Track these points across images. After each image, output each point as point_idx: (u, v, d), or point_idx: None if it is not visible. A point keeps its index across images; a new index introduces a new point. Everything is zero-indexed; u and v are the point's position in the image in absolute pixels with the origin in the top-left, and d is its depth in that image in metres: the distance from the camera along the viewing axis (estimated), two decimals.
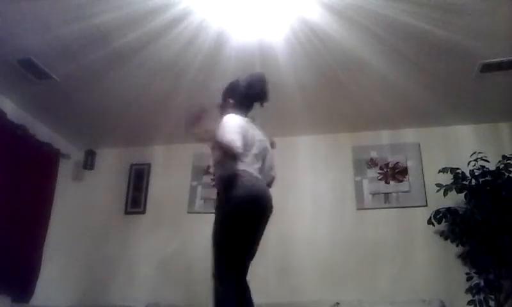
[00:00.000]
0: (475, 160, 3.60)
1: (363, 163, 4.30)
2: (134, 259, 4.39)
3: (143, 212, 4.63)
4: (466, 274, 3.57)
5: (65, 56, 3.40)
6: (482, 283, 3.49)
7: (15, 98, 3.99)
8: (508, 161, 3.52)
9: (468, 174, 3.61)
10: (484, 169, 3.58)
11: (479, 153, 3.61)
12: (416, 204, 4.02)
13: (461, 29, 2.97)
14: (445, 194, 3.56)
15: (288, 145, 4.34)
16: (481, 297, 3.44)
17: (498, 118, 4.08)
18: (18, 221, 3.91)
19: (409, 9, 2.81)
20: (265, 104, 2.56)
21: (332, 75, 3.50)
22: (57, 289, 4.23)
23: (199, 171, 4.60)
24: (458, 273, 3.62)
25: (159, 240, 4.40)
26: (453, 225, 3.57)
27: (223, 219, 2.27)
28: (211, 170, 2.60)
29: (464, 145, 3.96)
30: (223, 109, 2.56)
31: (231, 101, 2.56)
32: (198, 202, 4.52)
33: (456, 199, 3.67)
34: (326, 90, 3.74)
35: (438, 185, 3.62)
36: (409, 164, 4.20)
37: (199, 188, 4.56)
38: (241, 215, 2.24)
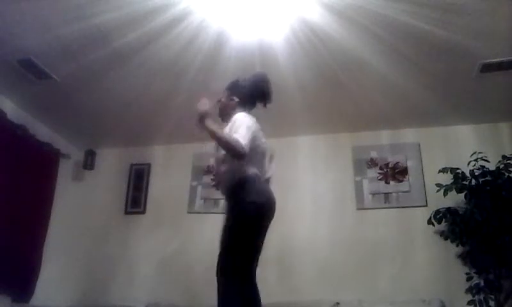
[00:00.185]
0: (475, 160, 3.60)
1: (363, 163, 4.30)
2: (134, 259, 4.39)
3: (143, 212, 4.63)
4: (466, 274, 3.57)
5: (65, 56, 3.40)
6: (482, 283, 3.49)
7: (15, 98, 3.99)
8: (508, 161, 3.52)
9: (468, 174, 3.61)
10: (484, 169, 3.58)
11: (479, 153, 3.61)
12: (416, 204, 4.02)
13: (461, 29, 2.97)
14: (445, 194, 3.56)
15: (288, 145, 4.35)
16: (481, 297, 3.44)
17: (498, 118, 4.08)
18: (18, 221, 3.91)
19: (409, 9, 2.81)
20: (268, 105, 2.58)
21: (332, 75, 3.50)
22: (57, 289, 4.23)
23: (199, 171, 4.60)
24: (458, 273, 3.62)
25: (159, 240, 4.40)
26: (453, 225, 3.57)
27: (236, 223, 2.27)
28: (215, 167, 2.57)
29: (464, 145, 3.96)
30: (227, 107, 2.56)
31: (236, 99, 2.55)
32: (198, 202, 4.52)
33: (456, 199, 3.67)
34: (326, 90, 3.73)
35: (438, 185, 3.62)
36: (409, 164, 4.20)
37: (199, 188, 4.56)
38: (256, 220, 2.27)
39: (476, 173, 3.60)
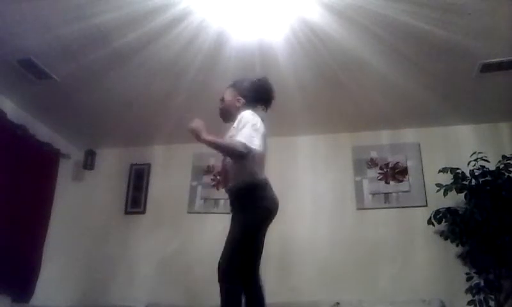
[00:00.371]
0: (475, 160, 3.60)
1: (363, 163, 4.30)
2: (134, 259, 4.38)
3: (143, 212, 4.63)
4: (466, 274, 3.57)
5: (65, 56, 3.40)
6: (482, 283, 3.49)
7: (15, 98, 3.98)
8: (508, 161, 3.52)
9: (468, 174, 3.61)
10: (484, 169, 3.58)
11: (479, 153, 3.61)
12: (416, 204, 4.02)
13: (461, 29, 2.97)
14: (445, 194, 3.56)
15: (288, 145, 4.35)
16: (481, 297, 3.44)
17: (498, 118, 4.08)
18: (18, 221, 3.91)
19: (409, 9, 2.81)
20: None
21: (332, 75, 3.50)
22: (57, 289, 4.23)
23: (199, 171, 4.60)
24: (458, 273, 3.62)
25: (159, 240, 4.40)
26: (453, 225, 3.57)
27: (246, 226, 2.30)
28: (225, 170, 2.57)
29: (464, 145, 3.96)
30: (231, 107, 2.55)
31: (242, 100, 2.55)
32: (198, 202, 4.52)
33: (456, 199, 3.67)
34: (326, 90, 3.73)
35: (438, 185, 3.62)
36: (409, 164, 4.20)
37: (199, 188, 4.56)
38: (264, 223, 2.36)
39: (476, 173, 3.60)
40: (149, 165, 4.78)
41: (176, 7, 2.87)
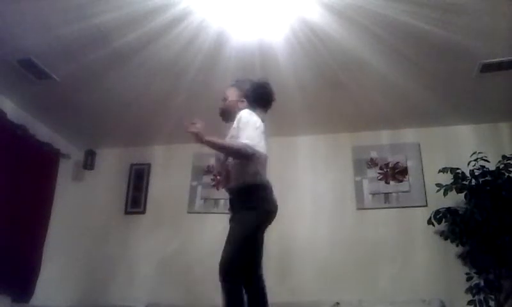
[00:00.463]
0: (475, 160, 3.60)
1: (363, 163, 4.30)
2: (134, 259, 4.38)
3: (143, 212, 4.63)
4: (466, 274, 3.57)
5: (65, 56, 3.40)
6: (482, 283, 3.49)
7: (15, 98, 3.98)
8: (508, 161, 3.52)
9: (468, 174, 3.61)
10: (484, 169, 3.59)
11: (479, 153, 3.61)
12: (416, 204, 4.02)
13: (461, 29, 2.97)
14: (445, 194, 3.56)
15: (288, 145, 4.35)
16: (481, 297, 3.44)
17: (498, 118, 4.08)
18: (18, 221, 3.91)
19: (409, 9, 2.81)
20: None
21: (332, 75, 3.50)
22: (57, 289, 4.23)
23: (199, 171, 4.61)
24: (458, 273, 3.62)
25: (159, 240, 4.40)
26: (453, 225, 3.57)
27: (246, 226, 2.30)
28: (225, 170, 2.56)
29: (464, 145, 3.96)
30: (234, 107, 2.54)
31: (244, 100, 2.56)
32: (198, 202, 4.52)
33: (456, 199, 3.67)
34: (326, 90, 3.73)
35: (438, 185, 3.62)
36: (409, 164, 4.20)
37: (199, 189, 4.56)
38: (263, 224, 2.37)
39: (476, 173, 3.60)
40: (149, 165, 4.79)
41: (176, 7, 2.87)
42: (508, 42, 3.10)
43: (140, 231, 4.51)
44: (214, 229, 3.69)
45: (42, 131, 4.32)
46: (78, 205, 4.66)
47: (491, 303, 3.40)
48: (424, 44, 3.14)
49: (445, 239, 3.66)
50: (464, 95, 3.75)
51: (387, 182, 4.18)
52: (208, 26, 3.03)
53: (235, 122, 2.42)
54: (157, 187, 4.70)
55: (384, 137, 4.34)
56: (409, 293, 3.64)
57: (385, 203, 4.13)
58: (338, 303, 3.56)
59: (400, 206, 4.08)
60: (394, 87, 3.63)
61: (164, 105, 4.00)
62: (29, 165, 4.08)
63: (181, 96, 3.80)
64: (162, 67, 3.49)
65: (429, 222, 3.62)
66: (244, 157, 2.29)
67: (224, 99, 2.61)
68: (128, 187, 4.74)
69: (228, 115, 2.57)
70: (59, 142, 4.56)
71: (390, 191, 4.15)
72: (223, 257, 2.27)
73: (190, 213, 4.48)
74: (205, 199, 4.50)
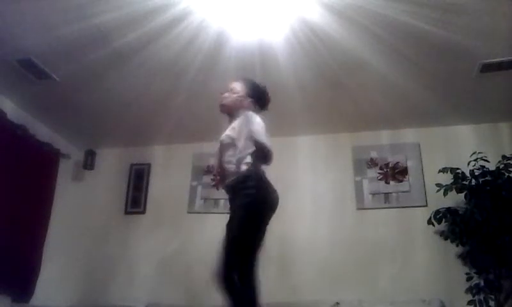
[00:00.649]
0: (475, 160, 3.60)
1: (363, 163, 4.30)
2: (134, 259, 4.38)
3: (143, 212, 4.63)
4: (466, 274, 3.57)
5: (65, 56, 3.40)
6: (482, 283, 3.49)
7: (15, 98, 3.99)
8: (508, 161, 3.52)
9: (468, 174, 3.61)
10: (484, 169, 3.58)
11: (479, 153, 3.61)
12: (416, 204, 4.02)
13: (461, 29, 2.97)
14: (445, 194, 3.56)
15: (288, 145, 4.34)
16: (481, 297, 3.44)
17: (498, 118, 4.08)
18: (18, 221, 3.91)
19: (409, 9, 2.81)
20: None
21: (332, 75, 3.50)
22: (57, 289, 4.23)
23: (199, 171, 4.60)
24: (458, 273, 3.62)
25: (159, 240, 4.40)
26: (453, 225, 3.57)
27: (249, 218, 2.29)
28: (220, 166, 2.56)
29: (464, 145, 3.96)
30: (240, 104, 2.54)
31: (249, 100, 2.56)
32: (198, 202, 4.52)
33: (456, 199, 3.67)
34: (326, 90, 3.73)
35: (438, 185, 3.62)
36: (409, 164, 4.20)
37: (199, 188, 4.56)
38: (266, 217, 2.37)
39: (476, 173, 3.60)
40: (149, 165, 4.78)
41: (176, 7, 2.87)
42: (508, 42, 3.10)
43: (140, 231, 4.51)
44: (214, 229, 3.64)
45: (42, 131, 4.32)
46: (78, 205, 4.66)
47: (491, 303, 3.40)
48: (423, 44, 3.14)
49: (445, 239, 3.66)
50: (464, 95, 3.75)
51: (387, 182, 4.18)
52: (208, 26, 3.03)
53: (237, 122, 2.42)
54: (157, 187, 4.70)
55: (384, 137, 4.34)
56: (409, 293, 3.64)
57: (385, 203, 4.13)
58: (338, 303, 3.56)
59: (400, 206, 4.08)
60: (394, 87, 3.63)
61: (164, 105, 4.00)
62: (29, 165, 4.08)
63: (181, 96, 3.80)
64: (162, 67, 3.49)
65: (429, 222, 3.62)
66: (270, 158, 2.35)
67: (231, 90, 2.60)
68: (128, 187, 4.74)
69: (231, 110, 2.56)
70: (59, 142, 4.56)
71: (390, 191, 4.15)
72: (219, 264, 2.23)
73: (190, 213, 4.48)
74: (205, 199, 4.50)
